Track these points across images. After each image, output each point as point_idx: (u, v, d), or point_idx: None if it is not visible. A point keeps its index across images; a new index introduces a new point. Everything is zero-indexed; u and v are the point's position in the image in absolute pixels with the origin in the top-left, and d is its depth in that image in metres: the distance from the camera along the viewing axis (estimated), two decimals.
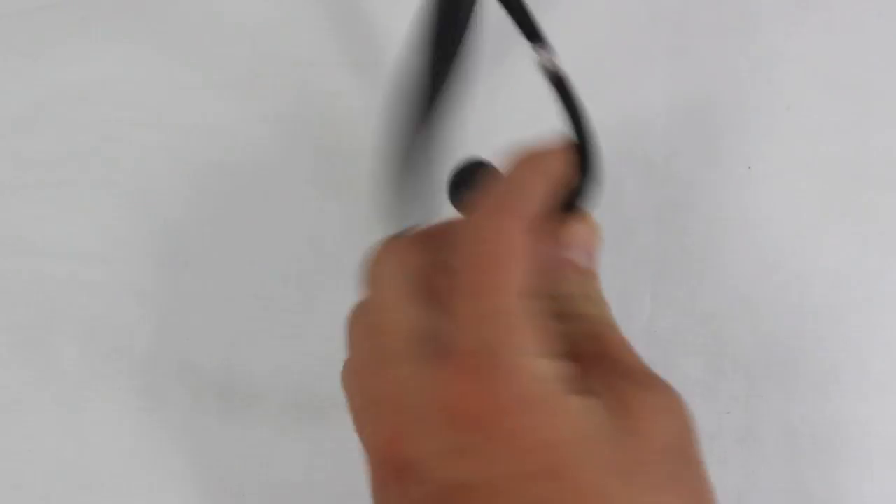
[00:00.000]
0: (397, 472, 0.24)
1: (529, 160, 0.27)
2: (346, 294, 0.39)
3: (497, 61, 0.40)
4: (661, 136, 0.42)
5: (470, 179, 0.30)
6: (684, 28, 0.44)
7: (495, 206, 0.25)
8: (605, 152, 0.41)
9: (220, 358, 0.37)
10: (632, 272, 0.38)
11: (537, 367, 0.23)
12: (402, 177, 0.31)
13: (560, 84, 0.28)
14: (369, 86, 0.44)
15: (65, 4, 0.44)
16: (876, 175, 0.41)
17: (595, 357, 0.25)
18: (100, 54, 0.44)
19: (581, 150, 0.28)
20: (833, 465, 0.36)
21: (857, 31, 0.44)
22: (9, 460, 0.36)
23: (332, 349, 0.37)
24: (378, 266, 0.27)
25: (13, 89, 0.43)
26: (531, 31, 0.28)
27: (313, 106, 0.43)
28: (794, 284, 0.39)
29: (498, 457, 0.22)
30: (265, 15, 0.45)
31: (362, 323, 0.27)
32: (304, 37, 0.45)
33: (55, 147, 0.42)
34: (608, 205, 0.40)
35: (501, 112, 0.40)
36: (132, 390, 0.37)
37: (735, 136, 0.42)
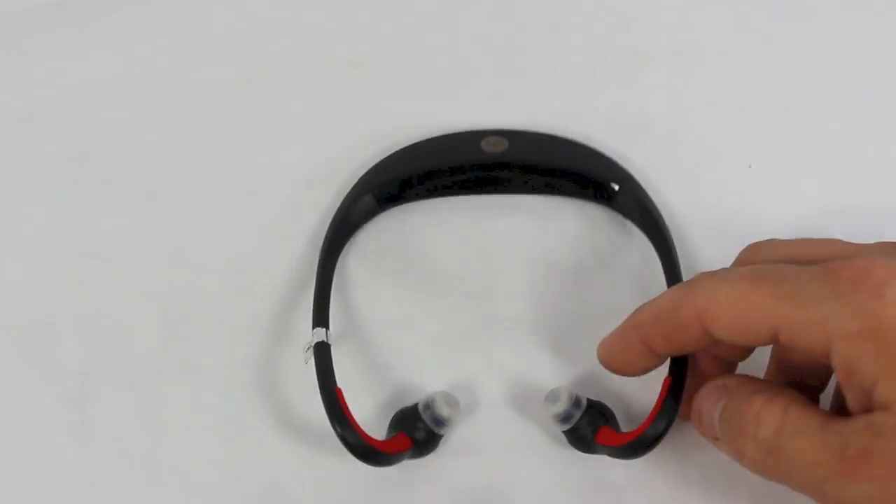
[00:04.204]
0: None
1: None
2: (346, 290, 0.39)
3: None
4: (661, 134, 0.42)
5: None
6: (684, 27, 0.45)
7: None
8: (606, 149, 0.41)
9: (221, 357, 0.37)
10: (632, 271, 0.38)
11: None
12: None
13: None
14: (370, 86, 0.44)
15: (65, 4, 0.45)
16: (876, 173, 0.41)
17: None
18: (100, 54, 0.44)
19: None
20: None
21: (857, 29, 0.44)
22: (9, 460, 0.36)
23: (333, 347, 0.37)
24: None
25: (13, 89, 0.43)
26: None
27: (314, 105, 0.43)
28: None
29: None
30: (266, 14, 0.45)
31: None
32: (305, 36, 0.45)
33: (55, 146, 0.42)
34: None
35: None
36: (132, 390, 0.37)
37: (735, 135, 0.42)
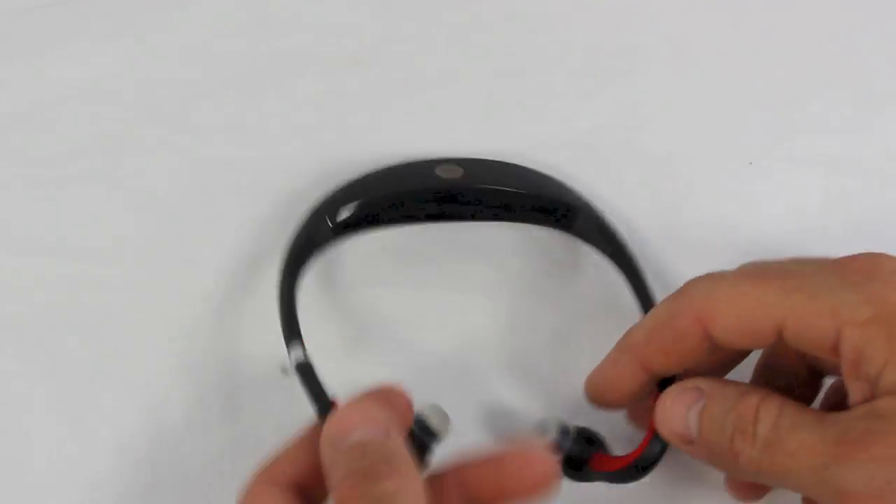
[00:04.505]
0: None
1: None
2: (348, 284, 0.39)
3: None
4: (662, 131, 0.42)
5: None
6: (685, 24, 0.44)
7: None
8: (607, 146, 0.41)
9: (221, 357, 0.37)
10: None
11: None
12: None
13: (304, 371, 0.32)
14: (369, 85, 0.44)
15: (65, 4, 0.44)
16: (877, 170, 0.41)
17: None
18: (100, 54, 0.44)
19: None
20: None
21: (858, 26, 0.44)
22: (9, 459, 0.36)
23: (333, 344, 0.37)
24: None
25: (13, 88, 0.43)
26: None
27: (314, 104, 0.43)
28: None
29: None
30: (265, 13, 0.45)
31: None
32: (304, 35, 0.45)
33: (55, 146, 0.42)
34: (609, 200, 0.40)
35: None
36: (133, 390, 0.37)
37: (736, 131, 0.42)
